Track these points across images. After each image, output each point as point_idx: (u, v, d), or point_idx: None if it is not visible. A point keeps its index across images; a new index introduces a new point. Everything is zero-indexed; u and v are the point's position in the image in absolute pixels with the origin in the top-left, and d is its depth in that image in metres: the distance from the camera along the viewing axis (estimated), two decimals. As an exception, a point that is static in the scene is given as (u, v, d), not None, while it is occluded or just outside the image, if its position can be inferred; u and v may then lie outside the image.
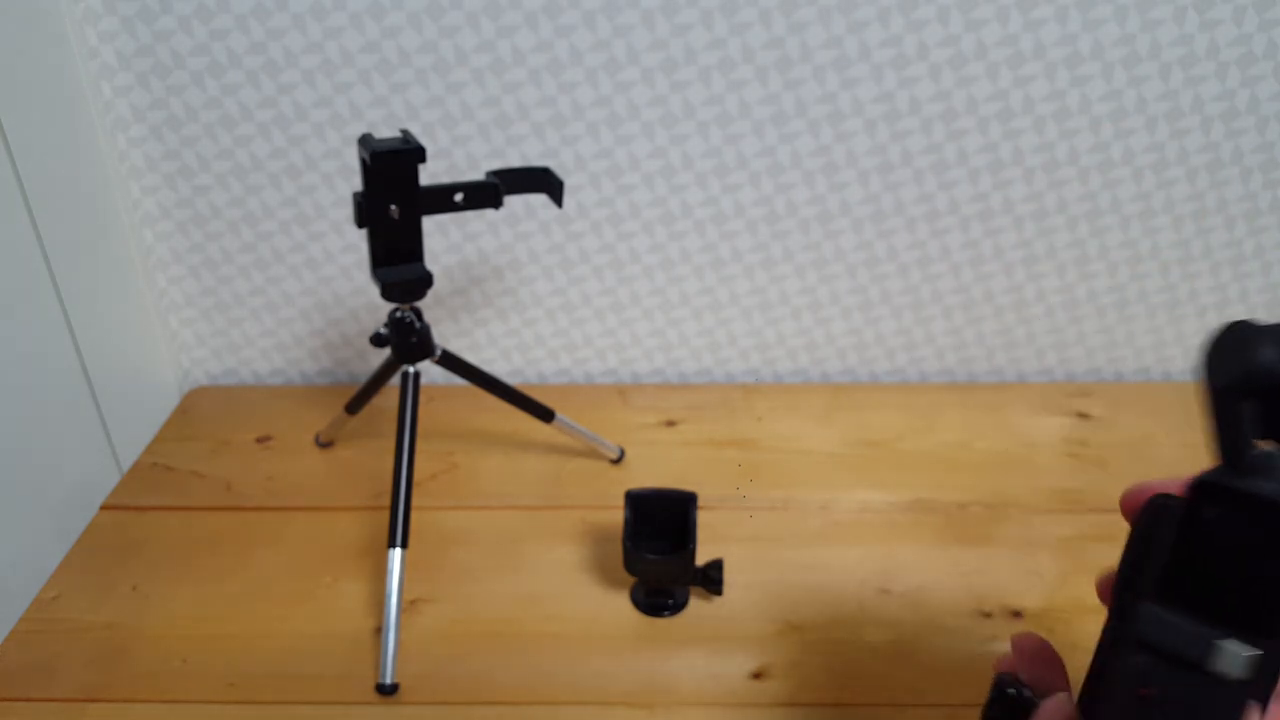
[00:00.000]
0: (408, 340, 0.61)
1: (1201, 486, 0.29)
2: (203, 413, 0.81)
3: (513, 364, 0.85)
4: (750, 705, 0.54)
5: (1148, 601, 0.30)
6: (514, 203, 0.76)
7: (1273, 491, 0.28)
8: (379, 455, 0.74)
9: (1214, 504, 0.29)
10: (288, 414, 0.79)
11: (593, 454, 0.74)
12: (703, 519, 0.62)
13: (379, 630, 0.58)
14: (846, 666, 0.56)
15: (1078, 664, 0.56)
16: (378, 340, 0.61)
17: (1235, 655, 0.28)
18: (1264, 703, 0.32)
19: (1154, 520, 0.31)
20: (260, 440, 0.77)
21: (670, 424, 0.78)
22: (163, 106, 0.71)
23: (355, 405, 0.72)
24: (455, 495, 0.70)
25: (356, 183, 0.74)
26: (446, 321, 0.82)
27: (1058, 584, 0.61)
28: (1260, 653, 0.28)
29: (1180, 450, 0.74)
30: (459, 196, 0.58)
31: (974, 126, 0.72)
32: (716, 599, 0.61)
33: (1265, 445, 0.29)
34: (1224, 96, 0.71)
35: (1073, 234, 0.77)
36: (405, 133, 0.55)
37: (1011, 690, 0.36)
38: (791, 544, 0.65)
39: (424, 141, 0.72)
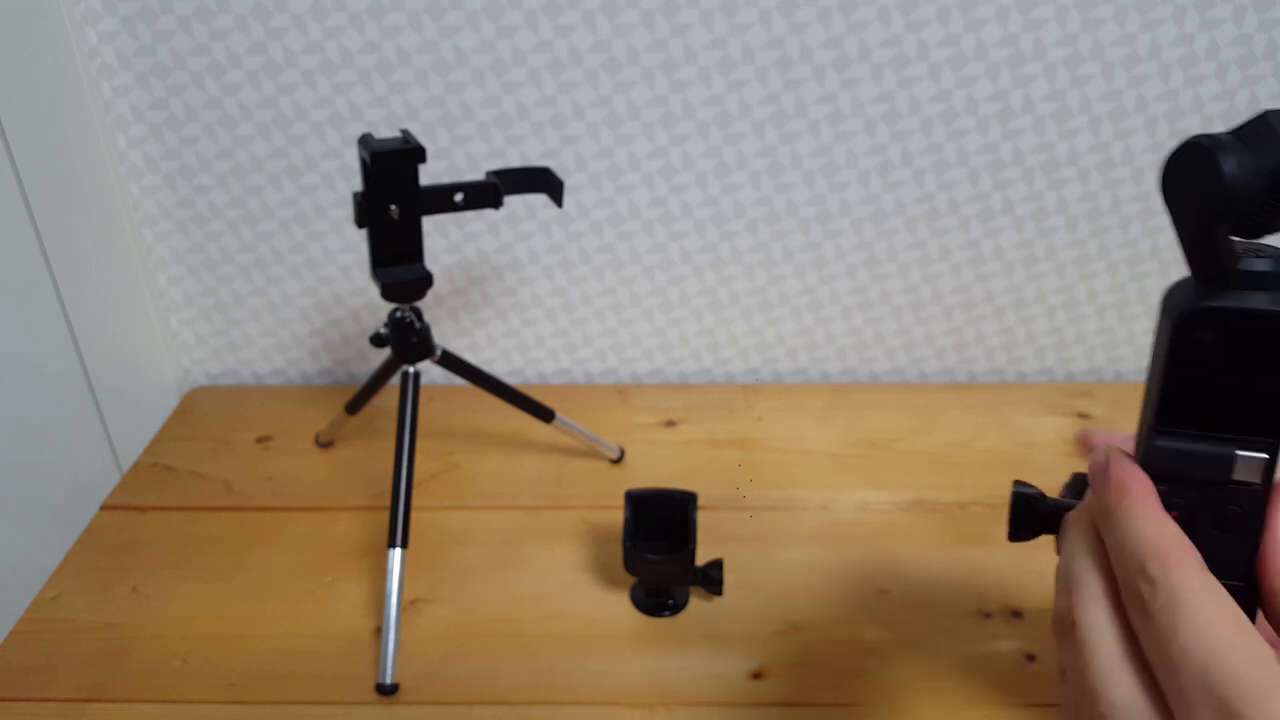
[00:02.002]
0: (408, 340, 0.61)
1: (1192, 313, 0.30)
2: (203, 413, 0.81)
3: (513, 364, 0.85)
4: (750, 705, 0.54)
5: (1156, 437, 0.31)
6: (514, 203, 0.76)
7: (1263, 301, 0.29)
8: (379, 455, 0.74)
9: (1207, 326, 0.30)
10: (288, 414, 0.79)
11: (593, 454, 0.74)
12: (703, 519, 0.62)
13: (379, 630, 0.58)
14: (846, 666, 0.56)
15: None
16: (378, 340, 0.61)
17: (1253, 462, 0.30)
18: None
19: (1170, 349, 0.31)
20: (260, 440, 0.77)
21: (670, 424, 0.78)
22: (163, 106, 0.71)
23: (355, 405, 0.72)
24: (455, 495, 0.70)
25: (356, 183, 0.74)
26: (446, 321, 0.82)
27: (1058, 584, 0.61)
28: (1269, 456, 0.29)
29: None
30: (459, 196, 0.58)
31: (974, 126, 0.72)
32: (716, 599, 0.61)
33: (1241, 245, 0.30)
34: (1224, 96, 0.71)
35: (1073, 234, 0.77)
36: (405, 133, 0.55)
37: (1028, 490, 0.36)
38: (791, 544, 0.65)
39: (424, 141, 0.72)
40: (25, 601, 0.61)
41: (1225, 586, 0.29)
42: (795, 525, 0.67)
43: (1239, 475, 0.30)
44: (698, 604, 0.60)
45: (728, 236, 0.77)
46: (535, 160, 0.73)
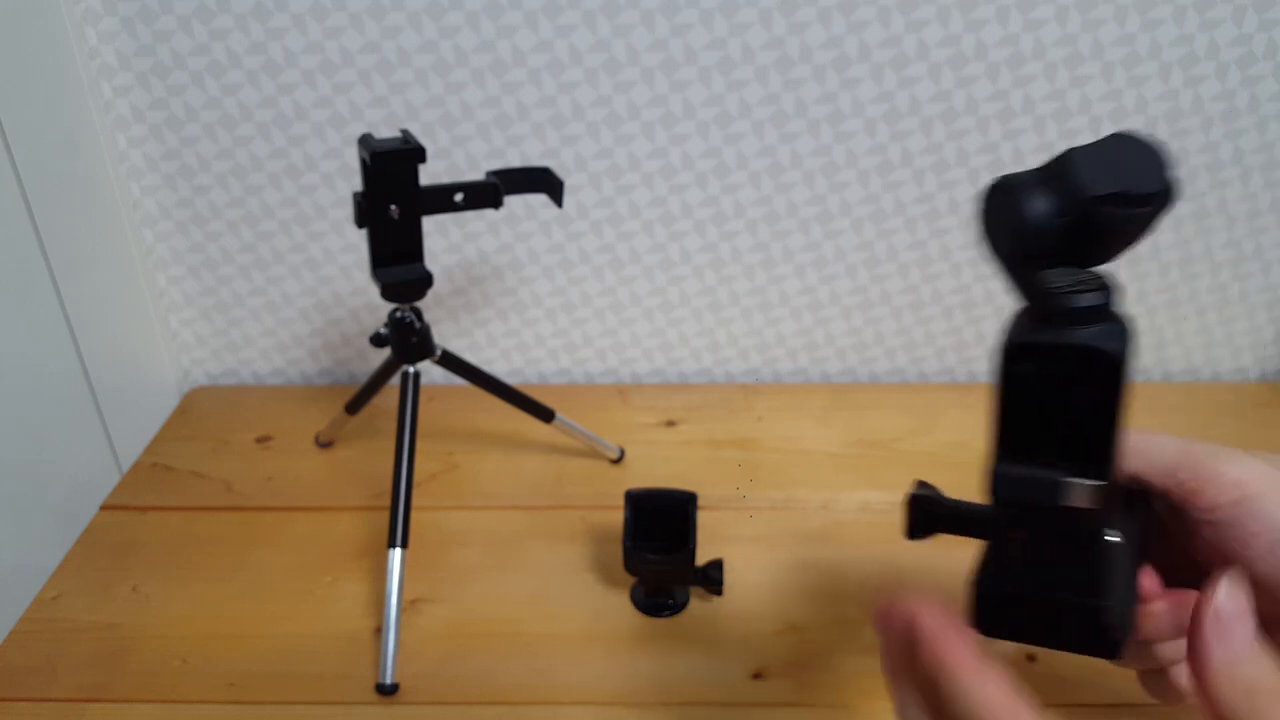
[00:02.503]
0: (408, 340, 0.61)
1: (1012, 348, 0.31)
2: (203, 413, 0.81)
3: (513, 364, 0.85)
4: (750, 705, 0.54)
5: (997, 463, 0.32)
6: (514, 203, 0.76)
7: (1073, 336, 0.29)
8: (379, 455, 0.74)
9: (1027, 360, 0.31)
10: (288, 414, 0.79)
11: (593, 454, 0.74)
12: (703, 519, 0.62)
13: (379, 630, 0.58)
14: (846, 666, 0.56)
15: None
16: (378, 340, 0.61)
17: (1083, 489, 0.31)
18: (1140, 557, 0.36)
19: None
20: (260, 440, 0.77)
21: (670, 424, 0.78)
22: (163, 106, 0.71)
23: (355, 405, 0.72)
24: (455, 495, 0.70)
25: (356, 183, 0.74)
26: (446, 321, 0.82)
27: (1058, 584, 0.61)
28: (1102, 482, 0.30)
29: (1180, 450, 0.74)
30: (459, 196, 0.58)
31: (974, 126, 0.72)
32: (716, 599, 0.61)
33: (1067, 275, 0.30)
34: (1224, 96, 0.71)
35: (1073, 234, 0.77)
36: (405, 133, 0.55)
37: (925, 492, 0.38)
38: (791, 544, 0.65)
39: (424, 141, 0.72)
40: (25, 601, 0.61)
41: (1066, 601, 0.31)
42: (795, 525, 0.67)
43: (1072, 501, 0.31)
44: (698, 604, 0.60)
45: (728, 236, 0.77)
46: (535, 160, 0.73)
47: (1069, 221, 0.28)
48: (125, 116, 0.71)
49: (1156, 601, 0.38)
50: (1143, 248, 0.78)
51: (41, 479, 0.65)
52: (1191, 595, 0.37)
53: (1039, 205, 0.28)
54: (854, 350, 0.83)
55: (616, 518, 0.65)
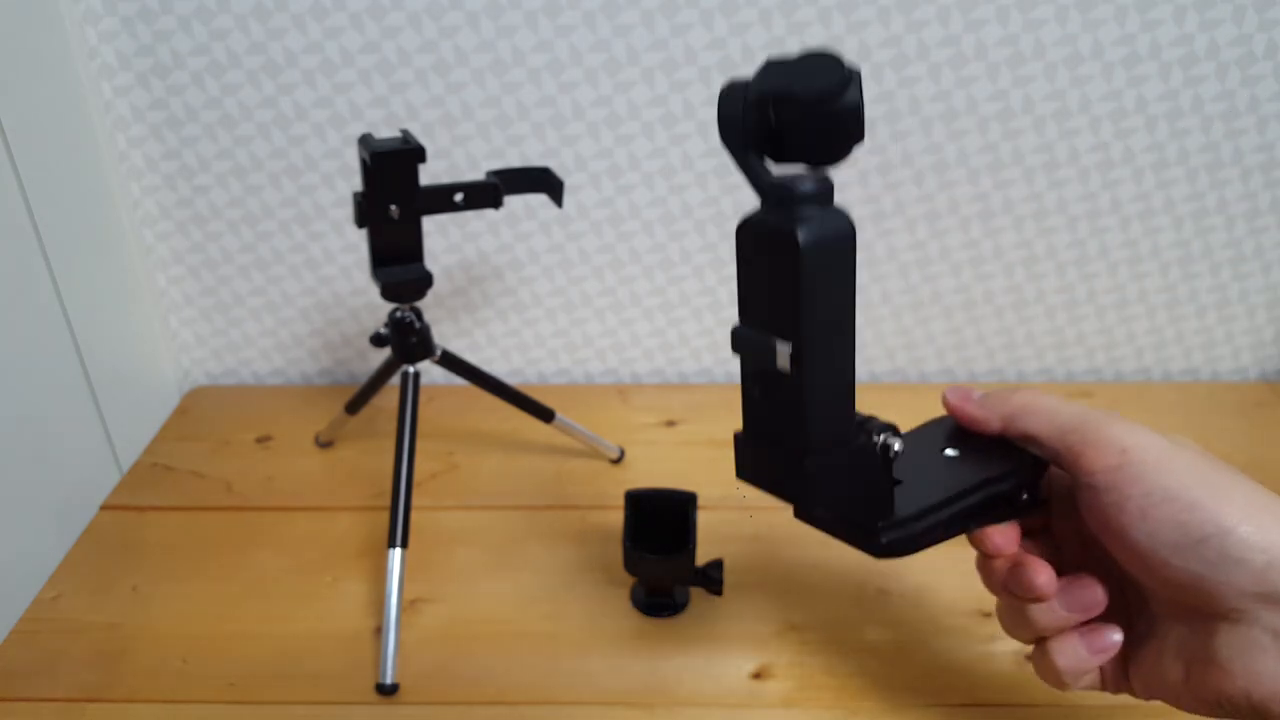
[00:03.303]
0: (408, 340, 0.61)
1: (739, 226, 0.36)
2: (203, 413, 0.81)
3: (513, 364, 0.85)
4: (750, 705, 0.54)
5: (738, 325, 0.38)
6: (514, 203, 0.76)
7: (769, 217, 0.34)
8: (379, 455, 0.74)
9: (747, 238, 0.35)
10: (288, 414, 0.79)
11: (593, 454, 0.74)
12: (703, 519, 0.62)
13: (379, 630, 0.58)
14: (846, 666, 0.56)
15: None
16: (378, 340, 0.61)
17: (782, 351, 0.35)
18: (1005, 510, 0.41)
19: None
20: (260, 440, 0.77)
21: (670, 424, 0.78)
22: (163, 106, 0.71)
23: (355, 405, 0.72)
24: (455, 495, 0.70)
25: (356, 183, 0.74)
26: (446, 321, 0.82)
27: (1058, 584, 0.61)
28: (792, 347, 0.35)
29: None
30: (459, 196, 0.58)
31: (974, 126, 0.72)
32: (716, 599, 0.61)
33: (793, 170, 0.35)
34: (1224, 96, 0.71)
35: (1073, 234, 0.77)
36: (405, 133, 0.55)
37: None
38: (791, 544, 0.65)
39: (424, 141, 0.72)
40: (25, 601, 0.61)
41: (782, 450, 0.38)
42: (795, 525, 0.67)
43: (777, 363, 0.36)
44: (698, 604, 0.60)
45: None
46: (535, 160, 0.73)
47: (756, 118, 0.33)
48: (125, 116, 0.71)
49: (1001, 559, 0.41)
50: (1143, 247, 0.78)
51: (41, 479, 0.65)
52: (1031, 557, 0.41)
53: (734, 104, 0.33)
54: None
55: (616, 518, 0.65)
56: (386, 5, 0.67)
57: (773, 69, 0.33)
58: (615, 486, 0.69)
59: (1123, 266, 0.79)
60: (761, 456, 0.40)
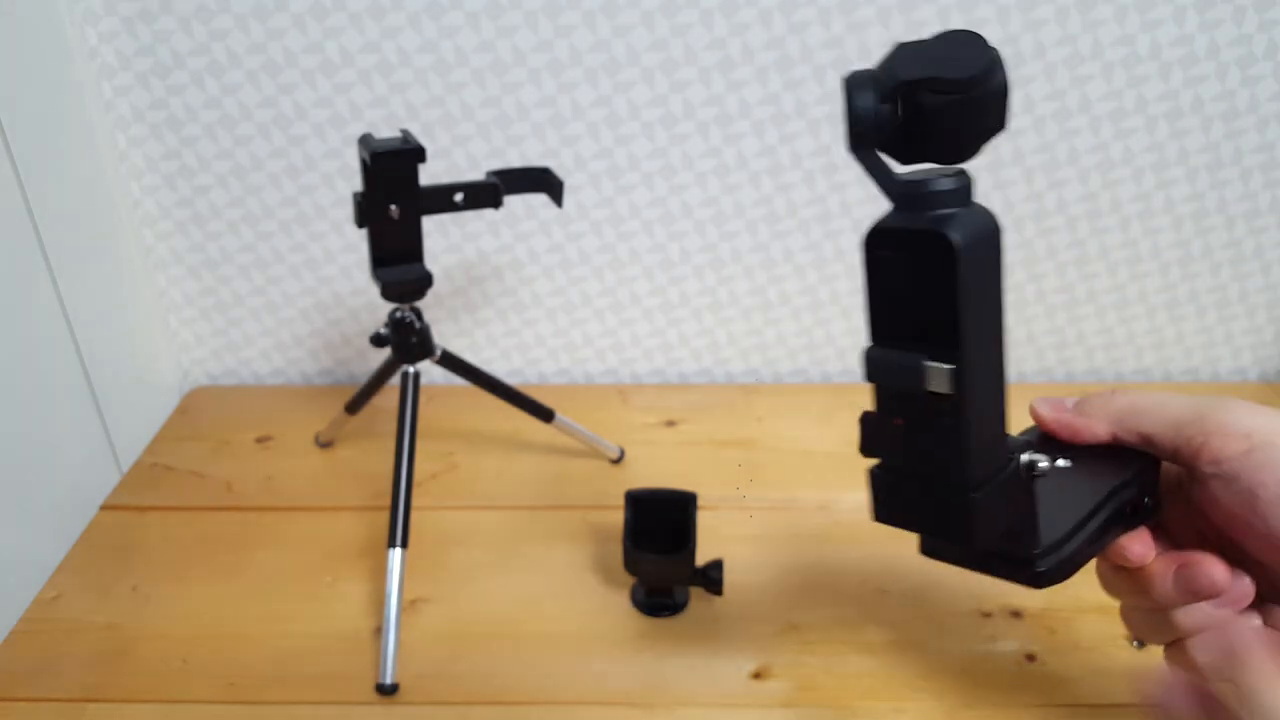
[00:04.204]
0: (408, 340, 0.61)
1: (870, 234, 0.32)
2: (203, 413, 0.81)
3: (513, 364, 0.85)
4: (750, 705, 0.54)
5: (870, 347, 0.34)
6: (514, 203, 0.76)
7: (916, 220, 0.31)
8: (379, 455, 0.74)
9: (882, 246, 0.32)
10: (288, 414, 0.79)
11: (593, 454, 0.74)
12: (703, 519, 0.62)
13: (379, 630, 0.58)
14: (846, 666, 0.56)
15: (1078, 662, 0.56)
16: (378, 340, 0.61)
17: (939, 372, 0.31)
18: (1132, 518, 0.38)
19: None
20: (260, 440, 0.77)
21: (670, 424, 0.78)
22: (163, 106, 0.71)
23: (355, 405, 0.72)
24: (455, 495, 0.70)
25: (356, 183, 0.74)
26: (446, 321, 0.82)
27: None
28: (954, 367, 0.31)
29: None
30: (459, 196, 0.58)
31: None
32: (716, 599, 0.61)
33: (928, 171, 0.31)
34: (1224, 96, 0.71)
35: (1073, 234, 0.77)
36: (405, 133, 0.55)
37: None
38: (791, 544, 0.65)
39: (424, 141, 0.72)
40: (25, 601, 0.61)
41: (937, 486, 0.33)
42: (795, 525, 0.67)
43: (931, 385, 0.32)
44: (698, 604, 0.60)
45: (727, 236, 0.77)
46: (535, 160, 0.73)
47: (892, 109, 0.30)
48: (125, 116, 0.71)
49: (1155, 562, 0.38)
50: (1144, 247, 0.78)
51: (41, 479, 0.65)
52: (1194, 554, 0.37)
53: (866, 95, 0.30)
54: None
55: (616, 518, 0.65)
56: (386, 5, 0.67)
57: (907, 53, 0.30)
58: (615, 486, 0.69)
59: (1123, 266, 0.79)
60: (911, 493, 0.35)
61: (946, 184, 0.31)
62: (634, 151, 0.73)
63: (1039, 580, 0.35)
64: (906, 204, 0.31)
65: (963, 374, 0.31)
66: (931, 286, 0.31)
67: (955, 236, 0.30)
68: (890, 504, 0.36)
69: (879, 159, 0.31)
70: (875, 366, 0.34)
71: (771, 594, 0.61)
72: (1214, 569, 0.36)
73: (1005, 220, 0.77)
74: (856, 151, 0.31)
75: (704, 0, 0.67)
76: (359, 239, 0.77)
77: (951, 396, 0.32)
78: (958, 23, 0.68)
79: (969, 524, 0.33)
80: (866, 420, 0.36)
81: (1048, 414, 0.40)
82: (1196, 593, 0.37)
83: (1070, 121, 0.72)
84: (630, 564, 0.58)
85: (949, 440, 0.32)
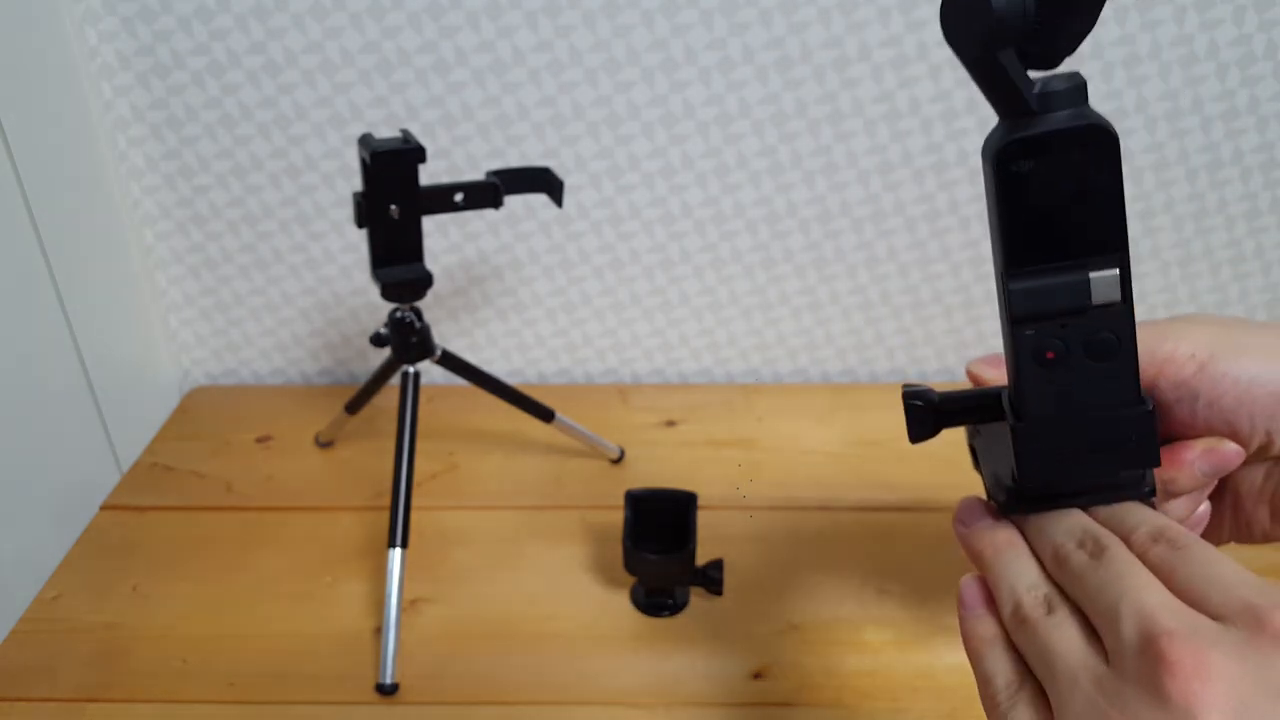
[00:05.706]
0: (408, 340, 0.61)
1: (1002, 150, 0.29)
2: (203, 413, 0.81)
3: (513, 364, 0.85)
4: (750, 705, 0.54)
5: (1010, 281, 0.31)
6: (514, 203, 0.76)
7: (1065, 119, 0.29)
8: (379, 455, 0.74)
9: (1022, 157, 0.29)
10: (288, 414, 0.79)
11: (593, 454, 0.74)
12: (703, 519, 0.62)
13: (379, 630, 0.58)
14: (846, 666, 0.56)
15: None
16: (378, 340, 0.61)
17: (1108, 280, 0.29)
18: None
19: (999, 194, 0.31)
20: (260, 440, 0.77)
21: (670, 424, 0.78)
22: (163, 106, 0.71)
23: (355, 405, 0.72)
24: (455, 495, 0.70)
25: (356, 183, 0.74)
26: (446, 321, 0.82)
27: (1058, 584, 0.61)
28: (1119, 269, 0.29)
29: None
30: (459, 196, 0.58)
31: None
32: (716, 599, 0.61)
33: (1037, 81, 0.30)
34: (1224, 96, 0.71)
35: (1073, 234, 0.77)
36: (405, 133, 0.56)
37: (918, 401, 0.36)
38: (791, 544, 0.65)
39: (424, 141, 0.72)
40: (25, 601, 0.61)
41: (1113, 412, 0.30)
42: (795, 525, 0.67)
43: (1098, 298, 0.30)
44: (698, 604, 0.60)
45: (728, 236, 0.77)
46: (535, 160, 0.73)
47: (1033, 4, 0.27)
48: (125, 116, 0.71)
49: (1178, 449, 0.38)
50: (1143, 247, 0.78)
51: (41, 479, 0.65)
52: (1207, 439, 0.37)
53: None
54: (854, 350, 0.83)
55: (616, 518, 0.65)
56: (386, 5, 0.67)
57: None
58: (615, 486, 0.69)
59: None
60: (1069, 448, 0.32)
61: (1065, 84, 0.29)
62: (634, 151, 0.73)
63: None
64: (1044, 106, 0.29)
65: (1128, 278, 0.29)
66: (1089, 186, 0.29)
67: (1110, 125, 0.28)
68: (1046, 465, 0.32)
69: (1015, 62, 0.28)
70: (1029, 298, 0.30)
71: (771, 594, 0.61)
72: (1229, 444, 0.37)
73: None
74: (994, 53, 0.28)
75: (704, 0, 0.67)
76: (359, 239, 0.77)
77: (1118, 305, 0.29)
78: (958, 23, 0.68)
79: (1155, 442, 0.31)
80: (920, 400, 0.35)
81: (993, 374, 0.42)
82: (1226, 466, 0.37)
83: (1070, 121, 0.72)
84: (630, 564, 0.58)
85: (1120, 359, 0.30)
